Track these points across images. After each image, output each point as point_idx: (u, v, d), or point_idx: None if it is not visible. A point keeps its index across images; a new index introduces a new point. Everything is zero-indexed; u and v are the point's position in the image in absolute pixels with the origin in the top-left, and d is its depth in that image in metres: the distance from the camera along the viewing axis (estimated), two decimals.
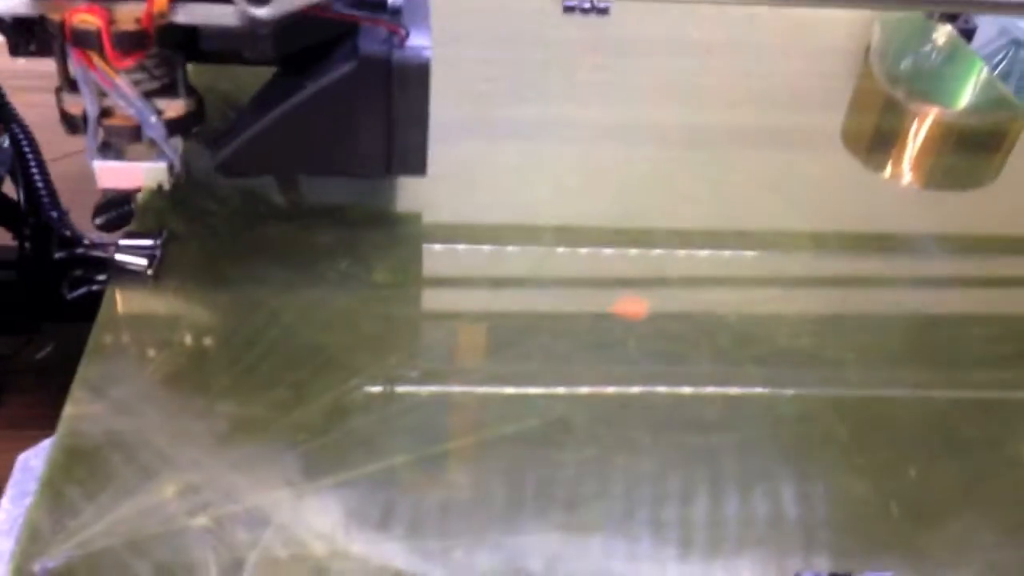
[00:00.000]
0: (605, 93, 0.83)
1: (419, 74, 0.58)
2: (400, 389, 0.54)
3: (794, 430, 0.54)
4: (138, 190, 0.65)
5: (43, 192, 0.80)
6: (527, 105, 0.80)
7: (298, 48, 0.57)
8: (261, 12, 0.49)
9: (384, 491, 0.48)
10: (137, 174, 0.60)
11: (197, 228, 0.64)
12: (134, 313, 0.58)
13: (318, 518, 0.46)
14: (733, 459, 0.51)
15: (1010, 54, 1.14)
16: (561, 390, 0.55)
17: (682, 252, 0.66)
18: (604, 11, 0.91)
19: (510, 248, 0.65)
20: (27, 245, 0.66)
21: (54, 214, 0.77)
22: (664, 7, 0.93)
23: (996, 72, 1.16)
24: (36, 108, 0.77)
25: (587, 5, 0.90)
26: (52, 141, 0.70)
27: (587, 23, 0.90)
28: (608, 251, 0.65)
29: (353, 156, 0.62)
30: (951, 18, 0.95)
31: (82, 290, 0.63)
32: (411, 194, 0.68)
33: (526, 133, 0.77)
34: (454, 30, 0.90)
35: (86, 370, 0.53)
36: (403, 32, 0.58)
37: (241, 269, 0.61)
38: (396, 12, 0.59)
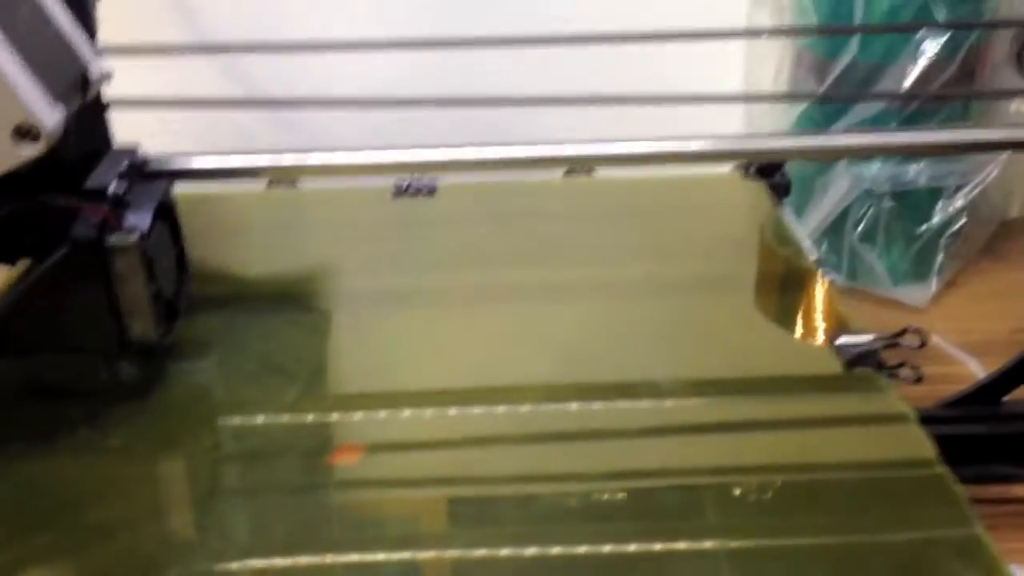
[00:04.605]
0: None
1: (130, 254, 0.64)
2: None
3: None
4: None
5: None
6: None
7: (24, 232, 0.64)
8: None
9: None
10: None
11: None
12: None
13: None
14: None
15: (870, 209, 1.15)
16: None
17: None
18: (432, 192, 0.97)
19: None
20: None
21: None
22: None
23: (858, 232, 1.17)
24: None
25: (415, 188, 0.97)
26: None
27: (416, 203, 0.97)
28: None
29: (88, 332, 0.67)
30: (767, 173, 0.98)
31: None
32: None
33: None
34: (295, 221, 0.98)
35: None
36: (114, 217, 0.64)
37: None
38: (118, 201, 0.66)
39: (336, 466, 0.65)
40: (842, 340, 0.70)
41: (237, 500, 0.63)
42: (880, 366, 0.67)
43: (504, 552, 0.56)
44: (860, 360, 0.67)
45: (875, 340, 0.69)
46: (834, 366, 0.69)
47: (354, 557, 0.56)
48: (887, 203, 1.14)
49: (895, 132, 0.98)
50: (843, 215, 1.17)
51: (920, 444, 0.62)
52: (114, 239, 0.64)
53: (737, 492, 0.60)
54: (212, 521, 0.60)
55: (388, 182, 0.99)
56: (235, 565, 0.56)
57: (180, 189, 0.76)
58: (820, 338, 0.74)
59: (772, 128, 1.17)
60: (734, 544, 0.56)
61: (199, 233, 0.84)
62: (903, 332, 0.69)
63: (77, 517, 0.59)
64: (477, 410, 0.69)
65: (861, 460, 0.64)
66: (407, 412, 0.69)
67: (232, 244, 0.92)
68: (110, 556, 0.56)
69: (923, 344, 0.68)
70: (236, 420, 0.68)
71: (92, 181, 0.66)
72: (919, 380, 0.68)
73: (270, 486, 0.63)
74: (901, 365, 0.69)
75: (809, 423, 0.68)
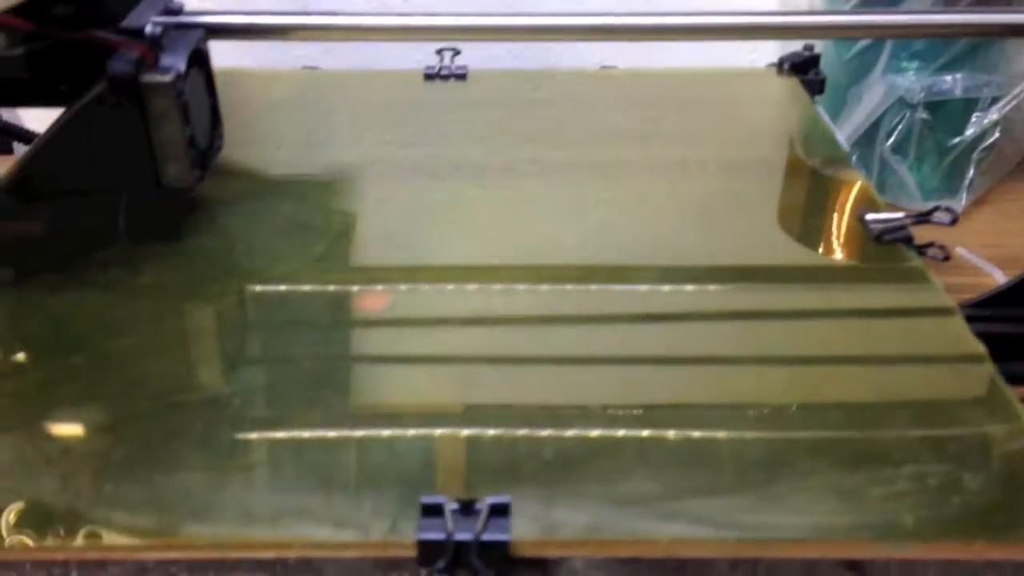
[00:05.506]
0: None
1: (167, 92, 0.64)
2: None
3: None
4: None
5: None
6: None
7: (59, 72, 0.64)
8: None
9: None
10: None
11: None
12: None
13: None
14: None
15: (904, 119, 1.13)
16: None
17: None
18: (463, 76, 0.96)
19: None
20: None
21: None
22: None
23: (890, 143, 1.15)
24: None
25: (446, 72, 0.96)
26: None
27: (447, 87, 0.96)
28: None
29: (122, 173, 0.68)
30: (802, 70, 0.97)
31: None
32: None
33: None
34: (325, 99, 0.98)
35: None
36: (152, 54, 0.65)
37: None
38: (155, 41, 0.66)
39: (359, 318, 0.66)
40: (871, 216, 0.69)
41: (257, 339, 0.64)
42: (909, 241, 0.67)
43: (509, 432, 0.54)
44: (889, 232, 0.67)
45: (905, 217, 0.69)
46: (873, 257, 0.68)
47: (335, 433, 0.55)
48: (920, 114, 1.13)
49: (937, 12, 0.96)
50: (875, 126, 1.15)
51: (965, 339, 0.59)
52: (150, 76, 0.64)
53: (770, 381, 0.58)
54: (233, 354, 0.61)
55: (420, 65, 0.99)
56: (250, 397, 0.57)
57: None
58: (853, 221, 0.73)
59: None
60: (768, 435, 0.54)
61: (232, 106, 0.84)
62: (934, 209, 0.69)
63: (106, 343, 0.60)
64: (502, 287, 0.68)
65: (901, 352, 0.61)
66: (431, 282, 0.69)
67: (265, 117, 0.93)
68: (136, 377, 0.58)
69: (954, 221, 0.68)
70: (263, 267, 0.69)
71: (129, 20, 0.67)
72: (947, 259, 0.67)
73: (291, 330, 0.64)
74: (930, 244, 0.68)
75: (847, 313, 0.66)
